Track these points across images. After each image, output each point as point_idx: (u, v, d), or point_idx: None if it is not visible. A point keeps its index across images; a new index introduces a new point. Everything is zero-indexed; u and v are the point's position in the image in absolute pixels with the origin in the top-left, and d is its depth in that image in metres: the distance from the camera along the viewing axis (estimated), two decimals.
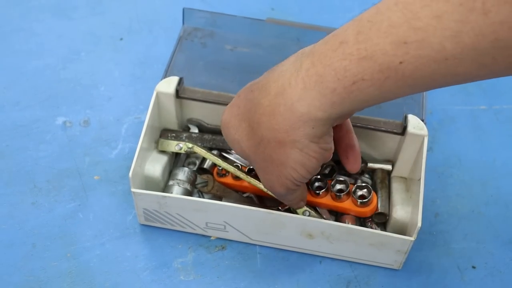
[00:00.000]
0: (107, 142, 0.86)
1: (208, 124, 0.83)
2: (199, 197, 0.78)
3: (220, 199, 0.77)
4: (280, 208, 0.75)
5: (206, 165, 0.81)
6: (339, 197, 0.74)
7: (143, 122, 0.76)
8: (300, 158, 0.60)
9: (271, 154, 0.61)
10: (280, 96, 0.58)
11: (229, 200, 0.76)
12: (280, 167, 0.61)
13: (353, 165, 0.70)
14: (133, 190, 0.73)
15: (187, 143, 0.77)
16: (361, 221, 0.77)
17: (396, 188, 0.79)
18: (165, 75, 0.80)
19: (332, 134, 0.61)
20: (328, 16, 1.02)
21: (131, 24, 0.99)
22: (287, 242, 0.76)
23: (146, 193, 0.73)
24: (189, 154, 0.83)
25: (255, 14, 0.93)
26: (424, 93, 0.77)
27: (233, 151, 0.80)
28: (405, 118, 0.76)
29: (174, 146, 0.78)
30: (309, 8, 1.03)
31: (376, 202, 0.75)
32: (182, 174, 0.78)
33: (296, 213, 0.73)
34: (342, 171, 0.77)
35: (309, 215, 0.73)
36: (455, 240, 0.79)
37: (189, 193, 0.77)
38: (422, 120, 0.76)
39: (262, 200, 0.78)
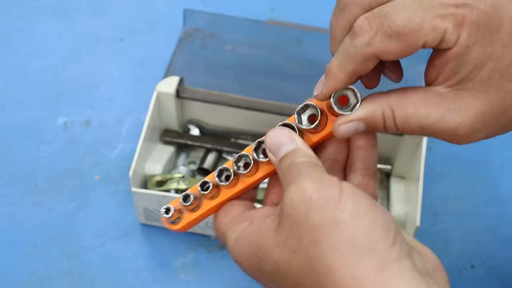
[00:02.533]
0: (107, 142, 0.86)
1: (208, 125, 0.84)
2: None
3: None
4: None
5: (206, 164, 0.81)
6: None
7: (144, 122, 0.76)
8: None
9: None
10: None
11: None
12: None
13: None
14: (133, 189, 0.73)
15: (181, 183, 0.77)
16: None
17: (395, 188, 0.79)
18: (166, 75, 0.80)
19: None
20: (328, 17, 0.99)
21: (132, 24, 0.99)
22: None
23: (146, 192, 0.73)
24: (189, 154, 0.83)
25: (255, 15, 0.93)
26: None
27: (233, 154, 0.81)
28: None
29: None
30: (309, 9, 1.03)
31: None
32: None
33: None
34: None
35: None
36: (454, 240, 0.79)
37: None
38: None
39: None
